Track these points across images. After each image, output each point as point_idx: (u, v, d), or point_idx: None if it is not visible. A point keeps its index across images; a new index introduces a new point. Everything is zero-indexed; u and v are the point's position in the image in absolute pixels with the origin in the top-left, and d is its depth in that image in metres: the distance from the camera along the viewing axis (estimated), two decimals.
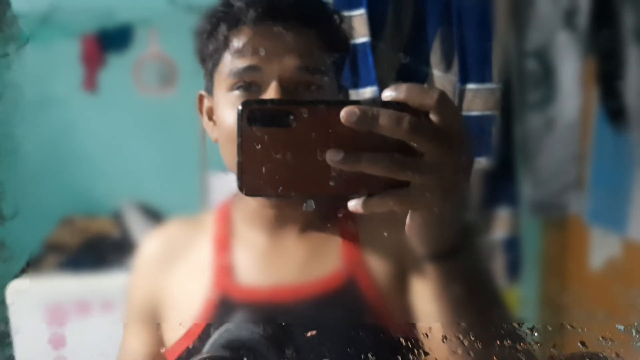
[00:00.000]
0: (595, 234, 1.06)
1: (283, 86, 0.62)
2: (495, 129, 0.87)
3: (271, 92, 0.62)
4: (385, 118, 0.44)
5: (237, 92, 0.64)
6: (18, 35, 1.03)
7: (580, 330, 0.60)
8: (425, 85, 0.46)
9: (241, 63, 0.64)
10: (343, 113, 0.44)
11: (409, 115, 0.44)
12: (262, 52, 0.63)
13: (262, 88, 0.63)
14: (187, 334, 0.69)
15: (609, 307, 0.66)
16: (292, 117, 0.45)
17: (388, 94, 0.45)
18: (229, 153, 0.66)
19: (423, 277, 0.64)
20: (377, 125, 0.44)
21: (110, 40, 1.31)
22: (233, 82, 0.64)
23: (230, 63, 0.65)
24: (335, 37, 0.69)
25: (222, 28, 0.66)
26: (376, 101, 0.45)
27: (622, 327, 0.61)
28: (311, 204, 0.51)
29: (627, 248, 1.06)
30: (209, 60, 0.68)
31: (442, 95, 0.45)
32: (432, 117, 0.45)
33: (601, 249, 1.05)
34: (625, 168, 1.00)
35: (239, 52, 0.64)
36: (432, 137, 0.45)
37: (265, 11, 0.64)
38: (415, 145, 0.45)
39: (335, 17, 0.70)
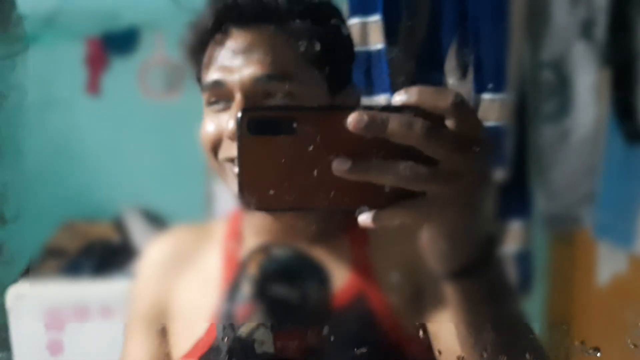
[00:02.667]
0: (603, 249, 1.05)
1: (247, 98, 0.60)
2: (510, 139, 0.86)
3: (235, 106, 0.60)
4: (395, 123, 0.41)
5: (211, 107, 0.63)
6: (23, 37, 1.02)
7: None
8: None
9: (209, 77, 0.63)
10: (350, 119, 0.41)
11: (422, 119, 0.41)
12: (224, 65, 0.61)
13: (230, 101, 0.61)
14: (197, 346, 0.67)
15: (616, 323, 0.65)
16: (295, 125, 0.43)
17: (399, 98, 0.42)
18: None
19: (436, 292, 0.61)
20: (387, 132, 0.41)
21: (115, 43, 1.30)
22: (207, 97, 0.63)
23: (203, 78, 0.64)
24: (310, 29, 0.64)
25: (195, 43, 0.65)
26: (386, 106, 0.43)
27: None
28: (365, 209, 0.47)
29: (634, 263, 1.05)
30: (196, 75, 0.67)
31: (458, 97, 0.42)
32: (448, 121, 0.42)
33: (608, 263, 1.04)
34: (634, 183, 1.00)
35: (205, 67, 0.63)
36: (448, 143, 0.41)
37: (223, 18, 0.62)
38: (429, 152, 0.42)
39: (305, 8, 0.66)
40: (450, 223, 0.44)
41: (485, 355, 0.49)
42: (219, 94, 0.62)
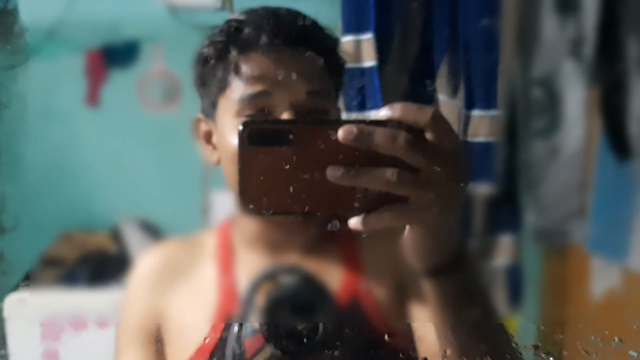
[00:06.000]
0: (596, 263, 1.06)
1: (295, 111, 0.63)
2: (500, 155, 0.87)
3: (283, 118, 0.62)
4: (380, 136, 0.45)
5: (246, 118, 0.64)
6: (24, 49, 1.04)
7: (594, 355, 0.60)
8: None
9: (252, 89, 0.64)
10: (341, 131, 0.46)
11: (404, 132, 0.46)
12: (278, 77, 0.63)
13: (272, 114, 0.63)
14: (196, 354, 0.68)
15: (614, 334, 0.66)
16: (291, 136, 0.47)
17: (384, 113, 0.47)
18: (233, 175, 0.66)
19: (421, 295, 0.64)
20: (373, 143, 0.46)
21: (115, 55, 1.32)
22: (242, 108, 0.65)
23: (239, 88, 0.65)
24: (334, 61, 0.70)
25: (232, 53, 0.66)
26: (373, 120, 0.46)
27: (635, 354, 0.61)
28: (336, 224, 0.52)
29: (628, 278, 1.05)
30: (213, 85, 0.68)
31: (436, 112, 0.47)
32: (427, 134, 0.46)
33: (602, 278, 1.04)
34: (627, 197, 1.01)
35: (250, 78, 0.65)
36: (427, 153, 0.46)
37: (276, 37, 0.65)
38: (411, 161, 0.46)
39: (331, 41, 0.71)
40: (429, 224, 0.49)
41: (462, 354, 0.53)
42: (261, 106, 0.64)
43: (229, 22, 0.68)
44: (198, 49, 0.70)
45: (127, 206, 1.18)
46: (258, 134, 0.47)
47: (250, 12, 0.68)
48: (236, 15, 0.68)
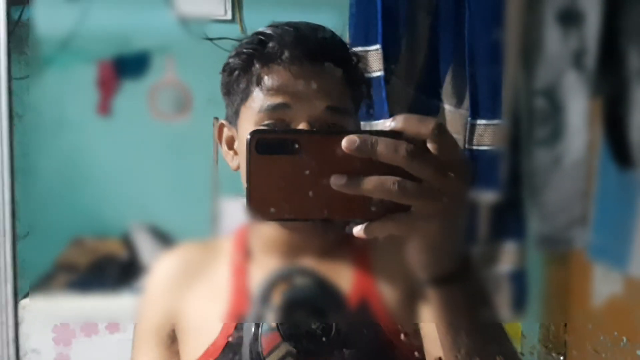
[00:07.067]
0: (598, 270, 1.07)
1: (312, 125, 0.64)
2: (504, 163, 0.88)
3: None
4: (382, 146, 0.46)
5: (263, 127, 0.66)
6: (38, 59, 1.06)
7: (603, 355, 0.61)
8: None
9: (272, 100, 0.66)
10: (344, 141, 0.47)
11: (406, 143, 0.47)
12: (298, 90, 0.65)
13: (290, 126, 0.65)
14: (206, 353, 0.70)
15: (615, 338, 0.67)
16: (297, 146, 0.48)
17: (388, 124, 0.48)
18: None
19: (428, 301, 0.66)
20: (375, 153, 0.46)
21: (127, 66, 1.34)
22: (262, 118, 0.66)
23: (261, 99, 0.66)
24: (355, 77, 0.71)
25: (256, 66, 0.68)
26: (376, 131, 0.48)
27: None
28: (352, 228, 0.52)
29: (629, 284, 1.06)
30: (237, 94, 0.70)
31: (438, 124, 0.47)
32: (429, 145, 0.47)
33: (603, 284, 1.05)
34: (629, 205, 1.02)
35: (272, 90, 0.66)
36: (429, 164, 0.46)
37: (299, 52, 0.66)
38: (413, 171, 0.47)
39: (354, 57, 0.72)
40: (431, 235, 0.49)
41: (460, 356, 0.54)
42: (279, 117, 0.66)
43: (255, 35, 0.70)
44: (227, 58, 0.72)
45: (138, 213, 1.19)
46: (265, 142, 0.48)
47: (276, 26, 0.69)
48: (263, 28, 0.70)
